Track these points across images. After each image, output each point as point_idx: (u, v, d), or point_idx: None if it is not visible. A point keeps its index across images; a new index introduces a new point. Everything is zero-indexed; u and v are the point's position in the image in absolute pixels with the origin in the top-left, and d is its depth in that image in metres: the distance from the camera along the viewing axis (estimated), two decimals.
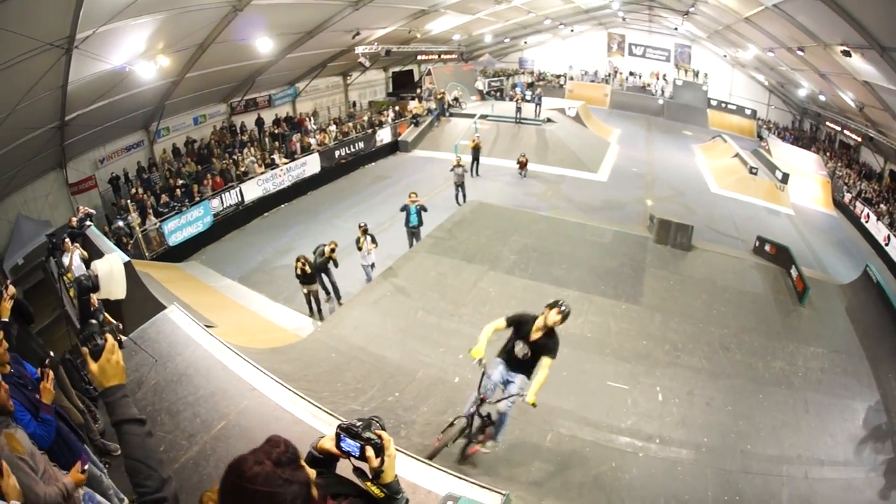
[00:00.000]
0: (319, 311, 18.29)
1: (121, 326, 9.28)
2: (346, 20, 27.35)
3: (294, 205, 28.60)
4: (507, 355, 9.95)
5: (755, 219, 32.40)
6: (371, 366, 13.77)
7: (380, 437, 3.16)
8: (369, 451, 3.11)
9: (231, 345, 10.43)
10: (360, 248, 18.59)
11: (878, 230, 35.34)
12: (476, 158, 32.37)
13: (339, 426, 3.22)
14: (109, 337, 3.49)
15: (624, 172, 37.56)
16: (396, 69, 47.74)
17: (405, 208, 20.98)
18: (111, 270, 9.92)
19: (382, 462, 3.12)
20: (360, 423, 3.21)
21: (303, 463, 2.69)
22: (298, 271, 17.34)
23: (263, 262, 22.17)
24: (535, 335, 9.44)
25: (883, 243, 34.13)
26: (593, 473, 11.68)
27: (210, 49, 22.60)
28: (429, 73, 48.06)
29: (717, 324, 18.17)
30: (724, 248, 25.99)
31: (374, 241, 18.59)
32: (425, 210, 21.18)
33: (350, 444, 3.15)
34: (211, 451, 8.21)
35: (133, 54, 19.52)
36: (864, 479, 13.73)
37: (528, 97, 43.83)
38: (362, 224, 18.90)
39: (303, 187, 30.28)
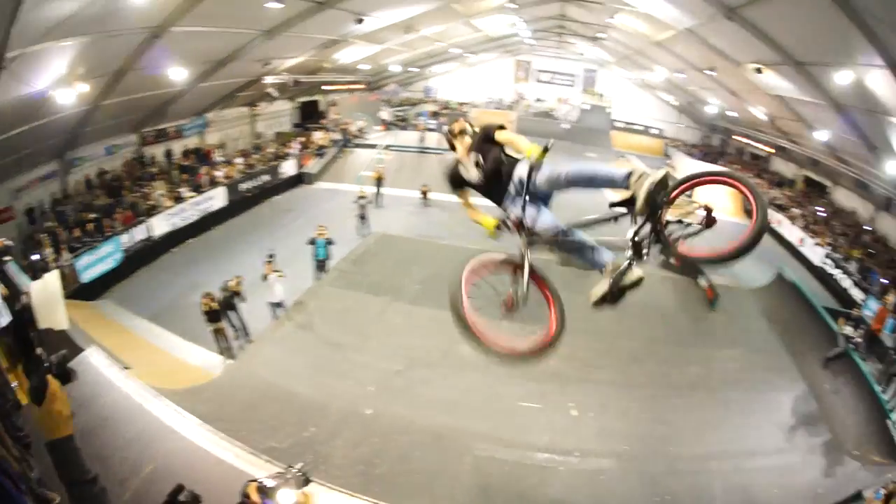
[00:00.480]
0: (229, 348, 17.84)
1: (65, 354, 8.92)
2: (258, 49, 27.09)
3: (201, 240, 27.47)
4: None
5: None
6: (284, 402, 13.78)
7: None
8: None
9: (149, 387, 10.34)
10: (265, 279, 18.44)
11: (792, 233, 37.03)
12: (379, 189, 32.34)
13: (252, 482, 3.25)
14: (52, 380, 3.31)
15: None
16: (303, 99, 47.17)
17: (313, 241, 20.93)
18: (46, 292, 9.42)
19: None
20: (274, 481, 3.26)
21: None
22: (205, 308, 17.12)
23: (173, 299, 21.31)
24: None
25: (798, 244, 35.88)
26: (516, 491, 11.93)
27: (127, 76, 22.12)
28: (334, 104, 47.67)
29: (627, 337, 18.65)
30: None
31: (279, 271, 18.53)
32: (332, 243, 21.24)
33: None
34: (144, 494, 8.13)
35: (54, 79, 19.02)
36: (802, 461, 14.55)
37: (432, 126, 44.71)
38: (270, 252, 19.18)
39: (209, 221, 29.13)
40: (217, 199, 28.93)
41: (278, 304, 18.73)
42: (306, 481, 3.42)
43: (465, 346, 15.53)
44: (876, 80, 20.58)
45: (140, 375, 11.85)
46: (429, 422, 13.49)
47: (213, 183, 29.63)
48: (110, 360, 11.32)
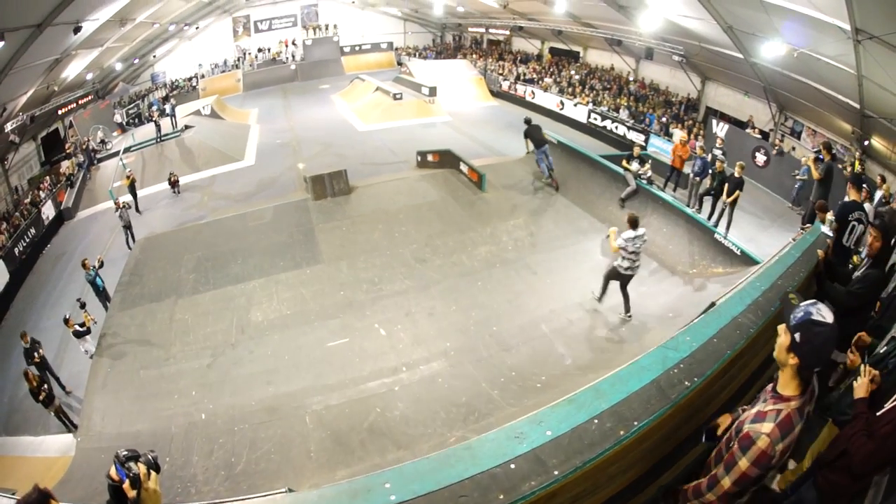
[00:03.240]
0: (73, 423, 15.92)
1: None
2: None
3: (4, 327, 24.96)
4: None
5: (411, 138, 33.19)
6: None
7: (138, 470, 3.33)
8: (126, 483, 3.26)
9: None
10: (88, 333, 17.13)
11: (549, 100, 39.07)
12: (135, 195, 30.04)
13: (115, 453, 3.40)
14: (142, 466, 3.47)
15: (269, 148, 37.81)
16: (43, 133, 43.90)
17: (90, 279, 19.38)
18: None
19: (139, 495, 3.28)
20: (128, 452, 3.42)
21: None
22: (43, 395, 15.48)
23: (10, 400, 19.29)
24: None
25: (557, 109, 37.96)
26: (365, 427, 11.65)
27: None
28: (70, 126, 43.47)
29: (403, 244, 18.68)
30: (387, 175, 26.81)
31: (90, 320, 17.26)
32: (101, 266, 19.92)
33: (120, 470, 3.31)
34: None
35: None
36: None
37: (166, 111, 42.95)
38: (79, 301, 18.00)
39: (3, 303, 26.51)
40: (0, 276, 26.08)
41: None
42: (157, 467, 2.93)
43: (255, 313, 14.87)
44: None
45: (21, 492, 10.57)
46: (257, 399, 13.03)
47: None
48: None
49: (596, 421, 3.87)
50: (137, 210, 29.38)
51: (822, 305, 3.41)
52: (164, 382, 14.36)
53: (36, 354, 16.40)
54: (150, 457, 3.38)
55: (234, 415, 12.62)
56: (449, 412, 11.48)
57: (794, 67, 21.22)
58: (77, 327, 16.71)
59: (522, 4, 37.68)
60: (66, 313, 17.25)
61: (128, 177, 29.65)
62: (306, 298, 16.36)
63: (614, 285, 14.07)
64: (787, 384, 3.51)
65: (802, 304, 3.48)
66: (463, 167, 23.02)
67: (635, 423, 3.89)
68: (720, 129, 26.74)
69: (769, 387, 3.69)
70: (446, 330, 14.02)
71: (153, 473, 3.28)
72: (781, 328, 3.51)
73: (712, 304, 11.27)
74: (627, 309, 14.18)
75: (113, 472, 3.25)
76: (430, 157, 26.11)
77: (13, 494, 9.93)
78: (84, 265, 19.31)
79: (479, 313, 14.52)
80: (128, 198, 28.55)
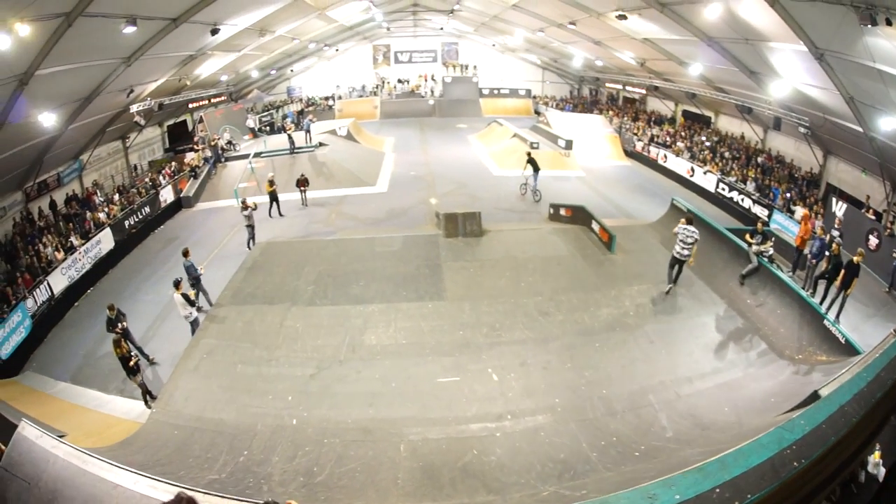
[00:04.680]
0: (152, 395, 16.07)
1: None
2: (119, 79, 25.83)
3: (98, 287, 25.43)
4: None
5: (544, 189, 33.13)
6: (213, 432, 13.21)
7: None
8: None
9: (86, 450, 9.80)
10: (190, 303, 17.83)
11: (680, 165, 38.31)
12: (274, 199, 30.73)
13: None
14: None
15: (403, 178, 38.78)
16: (170, 122, 45.23)
17: (192, 274, 20.10)
18: None
19: None
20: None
21: None
22: (133, 362, 15.71)
23: (87, 355, 19.89)
24: None
25: (687, 175, 37.21)
26: (459, 466, 11.69)
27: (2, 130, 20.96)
28: (200, 121, 44.92)
29: (529, 294, 18.72)
30: (518, 223, 27.01)
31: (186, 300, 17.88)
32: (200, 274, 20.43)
33: None
34: None
35: None
36: (745, 376, 14.58)
37: (303, 126, 43.67)
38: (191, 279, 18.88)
39: (103, 267, 27.31)
40: (105, 241, 27.40)
41: (196, 322, 18.15)
42: None
43: (370, 335, 15.24)
44: (748, 9, 20.97)
45: (75, 440, 11.22)
46: (354, 418, 13.27)
47: (99, 226, 28.22)
48: (45, 431, 10.72)
49: (717, 490, 4.14)
50: (279, 213, 30.74)
51: None
52: (261, 381, 14.91)
53: (119, 325, 17.00)
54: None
55: (326, 427, 12.95)
56: (545, 466, 11.44)
57: None
58: (186, 293, 17.62)
59: (659, 64, 37.48)
60: (179, 277, 18.14)
61: (270, 182, 30.50)
62: (424, 331, 16.64)
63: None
64: None
65: None
66: (594, 225, 23.10)
67: (749, 495, 4.13)
68: (839, 208, 25.64)
69: None
70: (557, 386, 14.09)
71: None
72: None
73: (815, 394, 11.44)
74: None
75: None
76: (562, 212, 26.35)
77: (61, 437, 10.61)
78: (185, 253, 20.16)
79: (591, 374, 14.53)
80: (259, 199, 29.42)
